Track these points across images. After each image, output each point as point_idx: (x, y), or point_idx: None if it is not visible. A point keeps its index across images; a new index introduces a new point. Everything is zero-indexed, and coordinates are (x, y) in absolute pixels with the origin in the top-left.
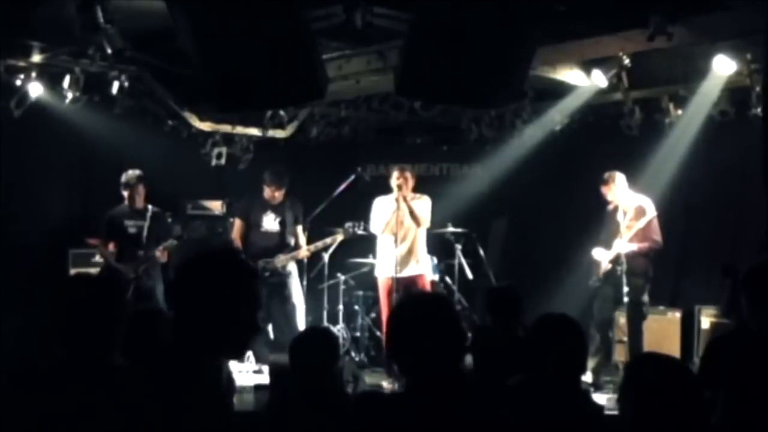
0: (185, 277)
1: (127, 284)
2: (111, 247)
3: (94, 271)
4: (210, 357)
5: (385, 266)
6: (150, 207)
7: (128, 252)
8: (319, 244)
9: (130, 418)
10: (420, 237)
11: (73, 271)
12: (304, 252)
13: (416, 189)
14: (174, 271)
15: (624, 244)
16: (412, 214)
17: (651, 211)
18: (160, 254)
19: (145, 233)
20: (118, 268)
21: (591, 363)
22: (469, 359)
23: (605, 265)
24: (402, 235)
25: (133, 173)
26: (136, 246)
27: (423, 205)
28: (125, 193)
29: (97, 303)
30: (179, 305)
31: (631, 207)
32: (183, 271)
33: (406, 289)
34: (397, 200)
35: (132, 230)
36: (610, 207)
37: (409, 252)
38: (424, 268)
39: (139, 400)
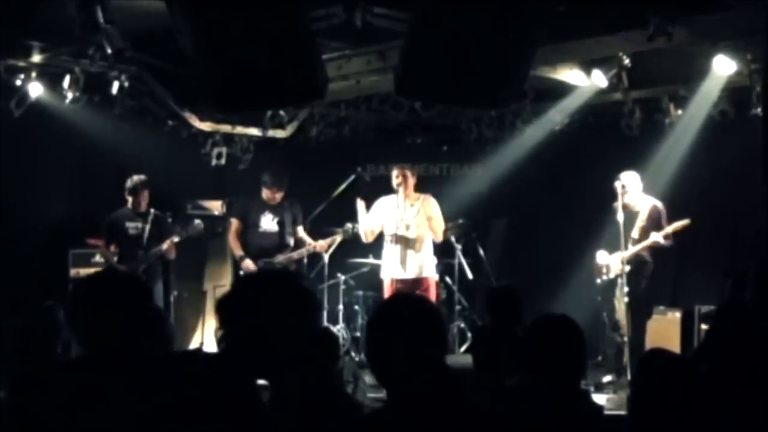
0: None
1: None
2: (112, 248)
3: (94, 271)
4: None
5: (390, 268)
6: (152, 210)
7: (129, 253)
8: (323, 243)
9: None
10: (426, 239)
11: (73, 271)
12: (321, 244)
13: (417, 188)
14: (236, 290)
15: (659, 237)
16: (433, 230)
17: (663, 212)
18: (168, 247)
19: (145, 235)
20: (118, 269)
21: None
22: (469, 359)
23: (616, 266)
24: (407, 237)
25: (138, 179)
26: (137, 247)
27: (437, 217)
28: (130, 198)
29: (128, 300)
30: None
31: (645, 208)
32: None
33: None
34: (407, 202)
35: (132, 231)
36: (614, 206)
37: (415, 254)
38: (430, 271)
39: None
